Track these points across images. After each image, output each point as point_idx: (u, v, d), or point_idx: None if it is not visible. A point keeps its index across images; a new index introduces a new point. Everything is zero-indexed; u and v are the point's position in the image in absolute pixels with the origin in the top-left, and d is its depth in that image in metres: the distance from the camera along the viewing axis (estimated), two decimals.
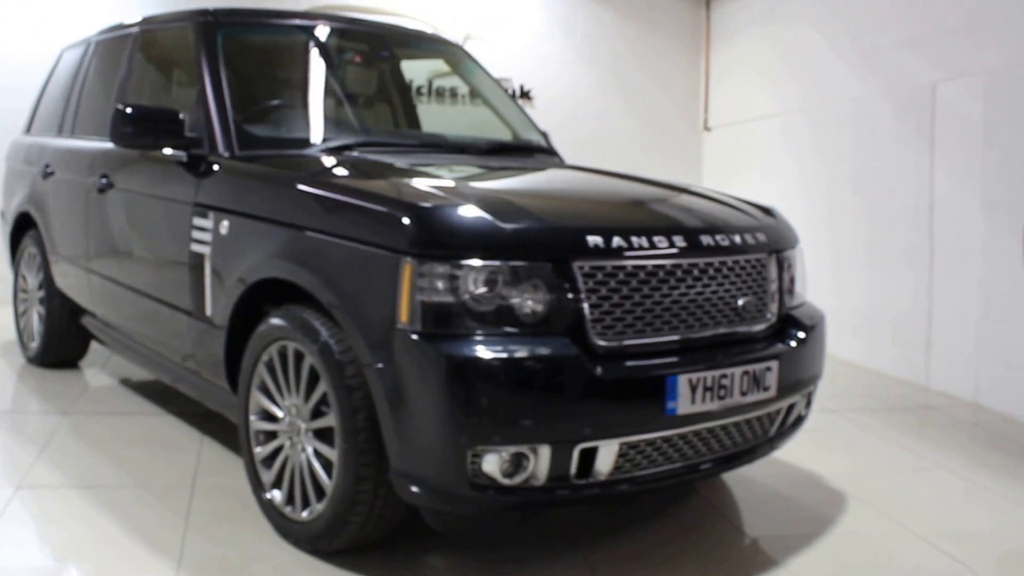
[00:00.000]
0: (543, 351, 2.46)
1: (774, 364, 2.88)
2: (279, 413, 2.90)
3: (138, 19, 4.36)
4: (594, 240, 2.60)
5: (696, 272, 2.77)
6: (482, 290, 2.46)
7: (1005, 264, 4.66)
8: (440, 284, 2.44)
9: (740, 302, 2.88)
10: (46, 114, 5.03)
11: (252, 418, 3.01)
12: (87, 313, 4.49)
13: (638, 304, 2.63)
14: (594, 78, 7.90)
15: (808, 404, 3.23)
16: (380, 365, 2.48)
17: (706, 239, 2.84)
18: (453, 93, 5.36)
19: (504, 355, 2.42)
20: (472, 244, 2.49)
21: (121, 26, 4.49)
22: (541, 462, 2.48)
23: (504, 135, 4.18)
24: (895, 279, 5.45)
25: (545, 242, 2.56)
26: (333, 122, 3.69)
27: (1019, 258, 4.49)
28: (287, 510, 2.86)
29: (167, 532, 2.89)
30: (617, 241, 2.63)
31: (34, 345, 4.86)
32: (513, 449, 2.45)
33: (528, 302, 2.49)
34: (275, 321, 2.86)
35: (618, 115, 7.88)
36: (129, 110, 3.35)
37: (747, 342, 2.92)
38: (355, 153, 3.40)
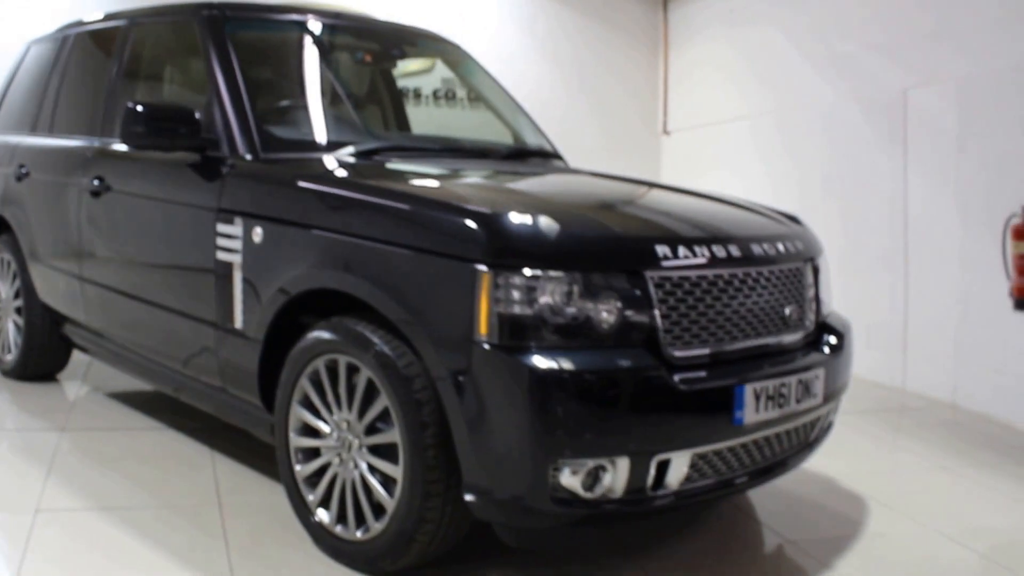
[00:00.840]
0: (625, 363, 2.46)
1: (821, 372, 2.95)
2: (326, 429, 2.83)
3: (125, 11, 4.19)
4: (663, 250, 2.62)
5: (750, 281, 2.81)
6: (560, 301, 2.44)
7: (982, 267, 4.84)
8: (519, 295, 2.42)
9: (787, 311, 2.94)
10: (13, 111, 4.80)
11: (292, 435, 2.93)
12: (70, 322, 4.31)
13: (702, 314, 2.66)
14: (556, 79, 7.92)
15: (836, 410, 3.31)
16: (457, 378, 2.45)
17: (757, 248, 2.88)
18: (449, 95, 5.28)
19: (588, 367, 2.41)
20: (550, 254, 2.47)
21: (105, 19, 4.31)
22: (619, 474, 2.48)
23: (505, 138, 4.15)
24: (870, 283, 5.61)
25: (619, 252, 2.57)
26: (352, 125, 3.62)
27: (997, 261, 4.67)
28: (338, 530, 2.79)
29: (210, 555, 2.80)
30: (683, 251, 2.65)
31: (10, 357, 4.63)
32: (594, 462, 2.45)
33: (604, 313, 2.49)
34: (323, 334, 2.78)
35: (580, 117, 7.91)
36: (140, 108, 3.23)
37: (792, 350, 2.98)
38: (385, 158, 3.34)
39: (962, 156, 4.97)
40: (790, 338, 2.96)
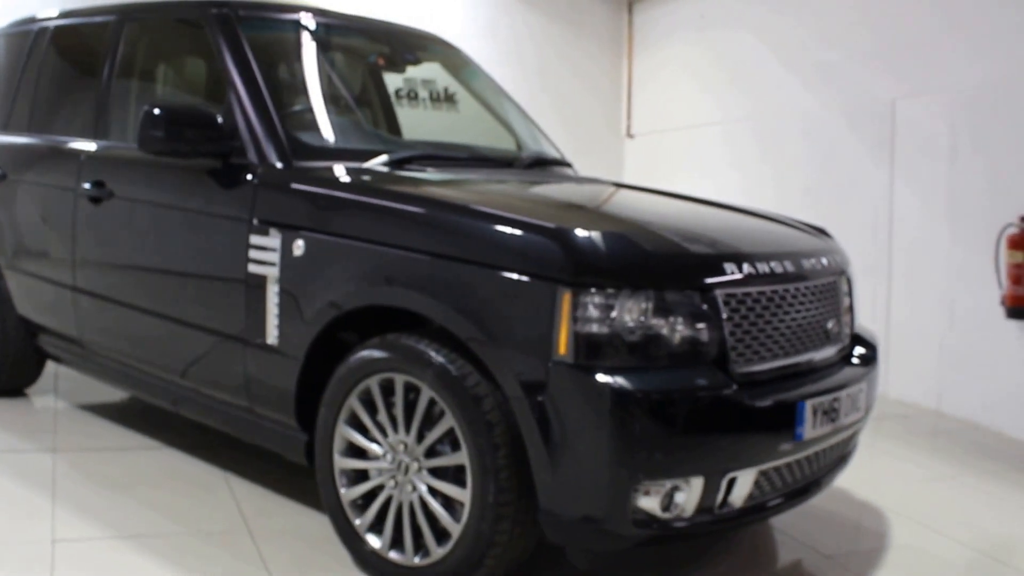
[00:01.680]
0: (703, 382, 2.48)
1: (864, 384, 3.02)
2: (378, 450, 2.77)
3: (115, 6, 4.00)
4: (730, 267, 2.64)
5: (800, 296, 2.85)
6: (637, 319, 2.44)
7: (970, 276, 5.01)
8: (598, 314, 2.41)
9: (829, 324, 3.00)
10: None
11: (337, 456, 2.86)
12: (47, 333, 4.12)
13: (761, 330, 2.69)
14: (520, 82, 7.87)
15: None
16: (535, 398, 2.42)
17: (807, 263, 2.93)
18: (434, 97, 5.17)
19: (669, 387, 2.42)
20: (629, 272, 2.46)
21: (91, 12, 4.12)
22: (693, 494, 2.49)
23: (509, 144, 4.11)
24: None
25: (692, 269, 2.57)
26: (374, 131, 3.55)
27: (986, 270, 4.84)
28: (393, 555, 2.73)
29: None
30: (747, 268, 2.68)
31: None
32: (672, 482, 2.45)
33: (677, 331, 2.49)
34: (378, 352, 2.72)
35: (543, 119, 7.81)
36: (159, 111, 3.11)
37: (832, 364, 3.04)
38: (418, 167, 3.29)
39: (953, 167, 5.13)
40: (831, 351, 3.02)
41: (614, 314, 2.42)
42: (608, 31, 8.20)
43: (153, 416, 4.27)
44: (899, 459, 4.42)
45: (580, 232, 2.51)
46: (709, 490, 2.52)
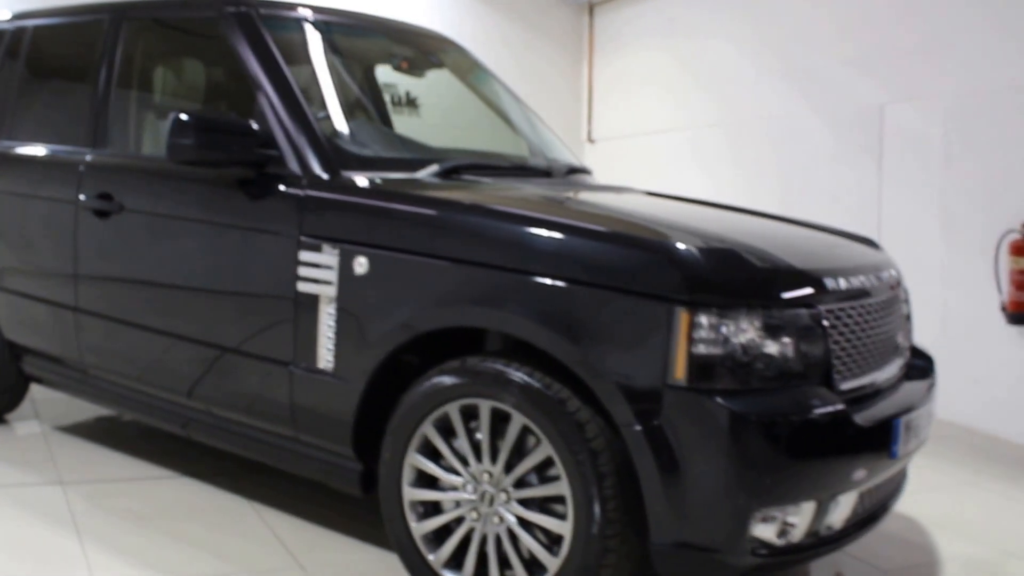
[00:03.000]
0: (819, 402, 2.40)
1: (934, 397, 3.00)
2: (456, 481, 2.61)
3: (106, 3, 3.72)
4: (831, 283, 2.57)
5: (879, 310, 2.81)
6: (752, 339, 2.35)
7: (967, 282, 5.08)
8: (715, 334, 2.31)
9: (899, 338, 2.97)
10: None
11: (407, 488, 2.69)
12: (34, 356, 3.82)
13: (854, 346, 2.63)
14: None
15: None
16: (649, 424, 2.30)
17: (883, 275, 2.90)
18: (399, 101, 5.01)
19: (790, 409, 2.34)
20: (743, 291, 2.37)
21: (80, 11, 3.82)
22: (804, 518, 2.42)
23: (520, 150, 3.98)
24: None
25: (798, 286, 2.49)
26: (409, 138, 3.37)
27: (983, 275, 4.92)
28: None
29: None
30: (843, 283, 2.63)
31: None
32: (789, 507, 2.37)
33: (790, 350, 2.41)
34: (458, 377, 2.56)
35: None
36: (189, 118, 2.89)
37: (900, 379, 3.00)
38: (473, 177, 3.13)
39: (947, 173, 5.20)
40: (899, 365, 2.98)
41: (729, 334, 2.32)
42: (568, 35, 8.13)
43: (151, 441, 4.01)
44: (914, 466, 4.44)
45: (695, 249, 2.41)
46: (819, 514, 2.45)
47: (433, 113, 3.74)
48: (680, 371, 2.29)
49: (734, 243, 2.56)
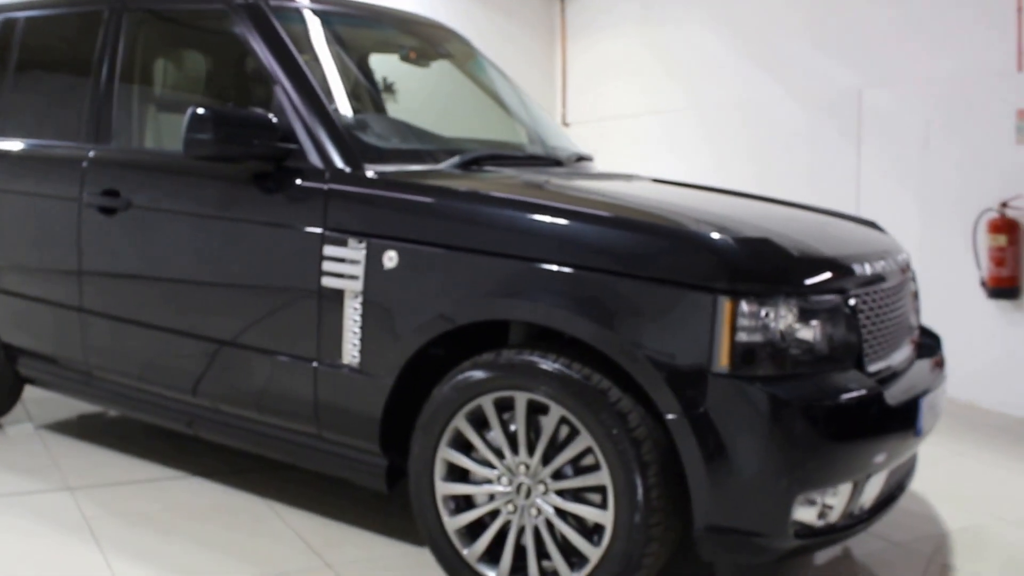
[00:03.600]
0: (857, 386, 2.38)
1: (946, 375, 3.01)
2: (490, 473, 2.55)
3: None
4: (859, 269, 2.56)
5: (895, 293, 2.80)
6: (791, 325, 2.32)
7: (944, 259, 5.12)
8: (756, 322, 2.27)
9: (912, 320, 2.97)
10: None
11: (439, 482, 2.62)
12: (29, 357, 3.67)
13: (879, 329, 2.62)
14: None
15: None
16: (694, 412, 2.26)
17: (899, 259, 2.90)
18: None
19: (831, 394, 2.32)
20: (782, 278, 2.35)
21: (75, 3, 3.66)
22: (842, 500, 2.41)
23: (526, 139, 3.88)
24: None
25: (832, 273, 2.47)
26: (424, 129, 3.28)
27: (962, 253, 4.97)
28: None
29: None
30: (868, 268, 2.62)
31: None
32: (829, 489, 2.35)
33: (826, 335, 2.39)
34: (493, 370, 2.49)
35: None
36: (205, 112, 2.78)
37: (914, 359, 3.00)
38: (493, 168, 3.05)
39: (926, 155, 5.23)
40: (912, 345, 2.98)
41: (769, 321, 2.29)
42: (541, 22, 8.06)
43: (152, 441, 3.88)
44: None
45: (736, 239, 2.37)
46: (854, 494, 2.44)
47: (439, 103, 3.64)
48: (725, 358, 2.26)
49: (766, 232, 2.52)
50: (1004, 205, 4.81)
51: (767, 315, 2.28)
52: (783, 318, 2.31)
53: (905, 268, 2.99)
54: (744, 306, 2.26)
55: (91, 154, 3.40)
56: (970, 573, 2.97)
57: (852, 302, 2.47)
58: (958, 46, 5.10)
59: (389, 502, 3.26)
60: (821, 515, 2.38)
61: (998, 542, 3.25)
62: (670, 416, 2.29)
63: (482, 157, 3.10)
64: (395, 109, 3.70)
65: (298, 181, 2.87)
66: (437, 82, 3.80)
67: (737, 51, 6.49)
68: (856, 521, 2.52)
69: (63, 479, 3.40)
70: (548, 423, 2.45)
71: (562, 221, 2.49)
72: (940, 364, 3.04)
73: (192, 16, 3.41)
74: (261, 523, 3.09)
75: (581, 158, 3.68)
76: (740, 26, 6.49)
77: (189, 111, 2.80)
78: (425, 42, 3.78)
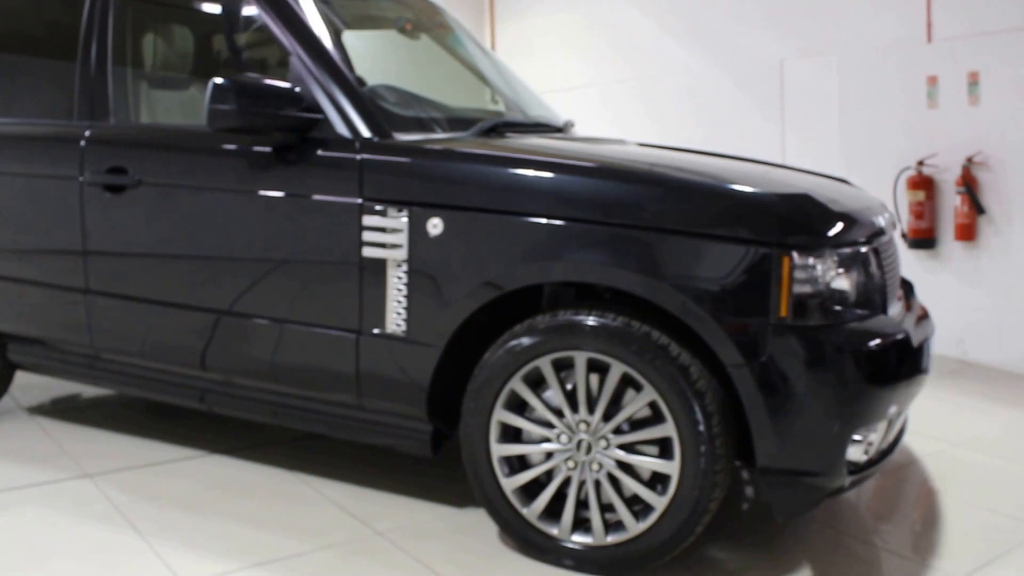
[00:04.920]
0: (892, 329, 2.41)
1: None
2: (548, 432, 2.48)
3: None
4: (876, 221, 2.60)
5: (893, 245, 2.86)
6: (835, 275, 2.34)
7: None
8: (808, 275, 2.28)
9: (901, 269, 3.04)
10: None
11: (494, 444, 2.53)
12: (20, 342, 3.37)
13: (890, 278, 2.67)
14: None
15: None
16: (758, 362, 2.24)
17: (889, 213, 2.95)
18: None
19: (878, 339, 2.34)
20: (828, 233, 2.36)
21: None
22: (878, 437, 2.45)
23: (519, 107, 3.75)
24: None
25: (863, 226, 2.49)
26: (433, 99, 3.13)
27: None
28: (577, 538, 2.47)
29: None
30: (881, 221, 2.66)
31: None
32: (873, 428, 2.38)
33: (862, 284, 2.42)
34: (547, 334, 2.41)
35: None
36: (225, 82, 2.58)
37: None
38: (514, 135, 2.94)
39: (845, 120, 5.38)
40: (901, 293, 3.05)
41: (818, 273, 2.29)
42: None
43: (157, 421, 3.65)
44: None
45: (785, 197, 2.37)
46: (887, 433, 2.49)
47: (431, 74, 3.49)
48: (783, 309, 2.25)
49: (801, 189, 2.52)
50: (921, 163, 4.99)
51: (816, 267, 2.29)
52: (828, 269, 2.31)
53: (894, 222, 3.05)
54: (797, 258, 2.26)
55: (88, 132, 3.11)
56: (949, 492, 3.08)
57: (878, 252, 2.50)
58: (873, 19, 5.25)
59: (418, 467, 3.16)
60: (865, 452, 2.41)
61: (958, 463, 3.40)
62: (734, 366, 2.27)
63: (500, 125, 2.99)
64: (390, 80, 3.52)
65: (327, 152, 2.70)
66: (426, 54, 3.63)
67: (665, 24, 6.51)
68: (882, 456, 2.57)
69: (78, 466, 3.13)
70: (610, 380, 2.39)
71: (619, 183, 2.41)
72: (926, 312, 3.12)
73: None
74: (296, 496, 2.92)
75: (571, 124, 3.59)
76: (669, 2, 6.51)
77: (211, 82, 2.59)
78: (416, 14, 3.60)
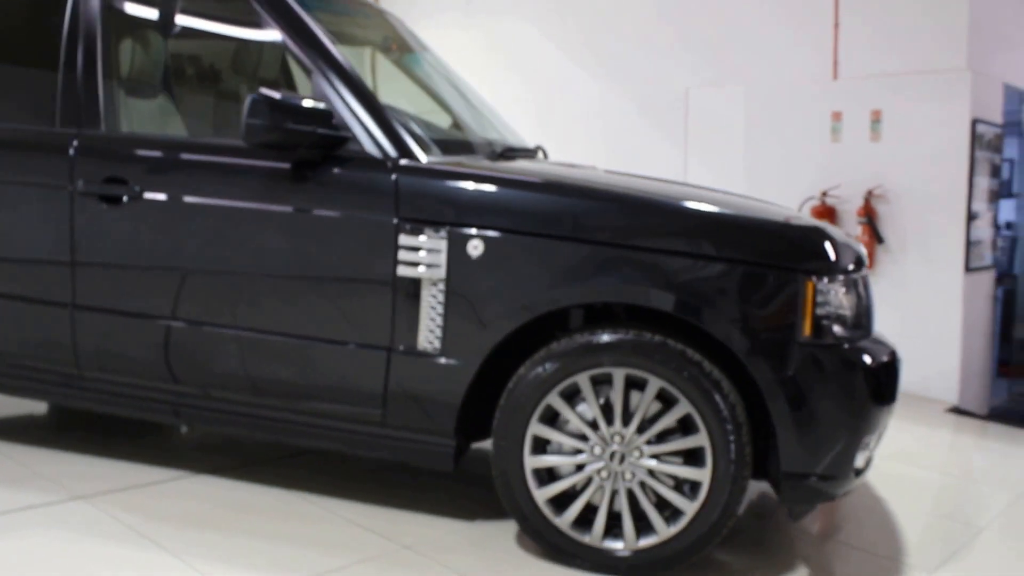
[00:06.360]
0: (887, 348, 2.80)
1: None
2: (582, 444, 2.71)
3: None
4: (860, 250, 2.99)
5: None
6: (843, 300, 2.69)
7: None
8: (825, 298, 2.62)
9: None
10: None
11: (529, 457, 2.73)
12: None
13: (870, 303, 3.06)
14: None
15: None
16: (786, 376, 2.57)
17: None
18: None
19: (880, 355, 2.71)
20: (839, 260, 2.70)
21: None
22: (873, 444, 2.83)
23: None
24: None
25: (856, 256, 2.87)
26: (456, 122, 3.32)
27: None
28: (608, 544, 2.71)
29: None
30: (862, 251, 3.05)
31: None
32: (872, 436, 2.76)
33: (859, 307, 2.79)
34: (588, 351, 2.65)
35: None
36: (262, 96, 2.69)
37: None
38: (526, 160, 3.16)
39: (750, 150, 5.90)
40: None
41: (832, 296, 2.64)
42: None
43: (112, 439, 3.59)
44: None
45: (807, 228, 2.73)
46: (878, 441, 2.87)
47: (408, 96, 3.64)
48: (808, 329, 2.59)
49: (811, 222, 2.89)
50: (824, 194, 5.57)
51: (830, 291, 2.64)
52: (838, 294, 2.67)
53: None
54: (821, 284, 2.60)
55: (76, 141, 3.08)
56: (892, 499, 3.52)
57: (864, 278, 2.89)
58: (781, 54, 5.81)
59: (417, 482, 3.30)
60: (866, 459, 2.78)
61: (891, 474, 3.81)
62: (764, 381, 2.58)
63: (513, 150, 3.21)
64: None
65: (357, 170, 2.83)
66: (400, 74, 3.78)
67: (566, 48, 6.87)
68: (867, 466, 2.95)
69: (63, 488, 3.05)
70: (647, 394, 2.65)
71: (663, 215, 2.70)
72: None
73: None
74: (306, 515, 2.99)
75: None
76: (569, 24, 6.87)
77: (250, 97, 2.69)
78: (395, 35, 3.75)
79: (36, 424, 3.88)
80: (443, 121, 3.47)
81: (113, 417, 3.76)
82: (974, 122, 5.17)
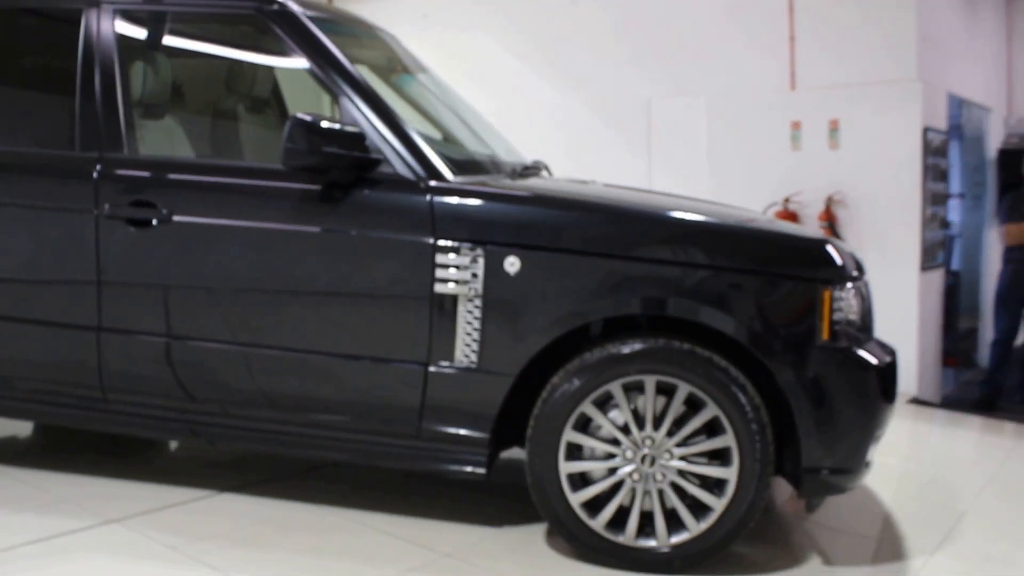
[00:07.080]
0: (890, 349, 3.06)
1: None
2: (614, 449, 2.88)
3: None
4: (860, 260, 3.25)
5: None
6: (851, 305, 2.94)
7: None
8: (839, 305, 2.86)
9: None
10: None
11: (563, 462, 2.90)
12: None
13: (871, 308, 3.32)
14: None
15: None
16: (807, 377, 2.79)
17: None
18: None
19: (888, 356, 2.97)
20: (846, 268, 2.94)
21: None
22: (880, 439, 3.08)
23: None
24: None
25: (857, 263, 3.11)
26: (471, 141, 3.47)
27: None
28: (642, 542, 2.89)
29: None
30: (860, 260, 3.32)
31: None
32: (881, 431, 3.00)
33: (863, 312, 3.04)
34: (625, 360, 2.83)
35: None
36: (301, 120, 2.83)
37: None
38: (546, 177, 3.33)
39: (713, 158, 6.18)
40: None
41: (844, 303, 2.88)
42: None
43: (120, 460, 3.62)
44: None
45: (820, 240, 2.99)
46: (881, 435, 3.11)
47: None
48: (826, 334, 2.82)
49: (820, 235, 3.13)
50: (787, 200, 5.87)
51: (843, 297, 2.88)
52: (849, 299, 2.91)
53: None
54: (837, 292, 2.84)
55: (99, 166, 3.13)
56: (876, 487, 3.79)
57: (866, 285, 3.15)
58: (740, 65, 6.10)
59: (436, 491, 3.43)
60: (874, 453, 3.02)
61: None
62: (787, 383, 2.80)
63: (530, 168, 3.39)
64: None
65: (390, 192, 2.96)
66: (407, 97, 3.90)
67: (527, 59, 7.05)
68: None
69: (93, 513, 3.09)
70: (677, 399, 2.84)
71: (693, 231, 2.93)
72: None
73: (213, 21, 3.26)
74: (342, 528, 3.09)
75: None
76: (529, 36, 7.06)
77: (290, 120, 2.81)
78: (396, 56, 3.89)
79: (39, 447, 3.89)
80: (456, 141, 3.60)
81: (113, 437, 3.82)
82: (925, 130, 5.53)
